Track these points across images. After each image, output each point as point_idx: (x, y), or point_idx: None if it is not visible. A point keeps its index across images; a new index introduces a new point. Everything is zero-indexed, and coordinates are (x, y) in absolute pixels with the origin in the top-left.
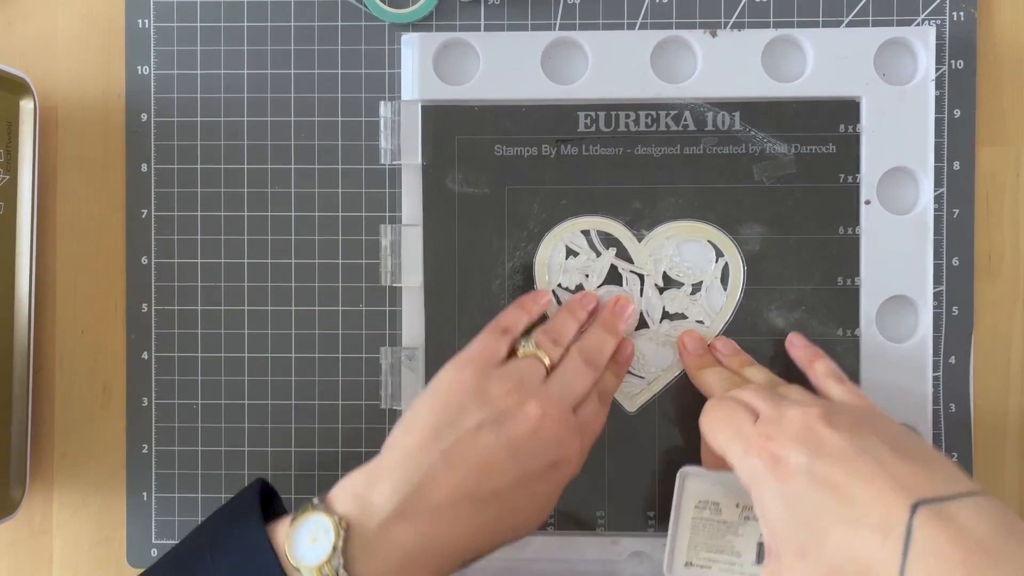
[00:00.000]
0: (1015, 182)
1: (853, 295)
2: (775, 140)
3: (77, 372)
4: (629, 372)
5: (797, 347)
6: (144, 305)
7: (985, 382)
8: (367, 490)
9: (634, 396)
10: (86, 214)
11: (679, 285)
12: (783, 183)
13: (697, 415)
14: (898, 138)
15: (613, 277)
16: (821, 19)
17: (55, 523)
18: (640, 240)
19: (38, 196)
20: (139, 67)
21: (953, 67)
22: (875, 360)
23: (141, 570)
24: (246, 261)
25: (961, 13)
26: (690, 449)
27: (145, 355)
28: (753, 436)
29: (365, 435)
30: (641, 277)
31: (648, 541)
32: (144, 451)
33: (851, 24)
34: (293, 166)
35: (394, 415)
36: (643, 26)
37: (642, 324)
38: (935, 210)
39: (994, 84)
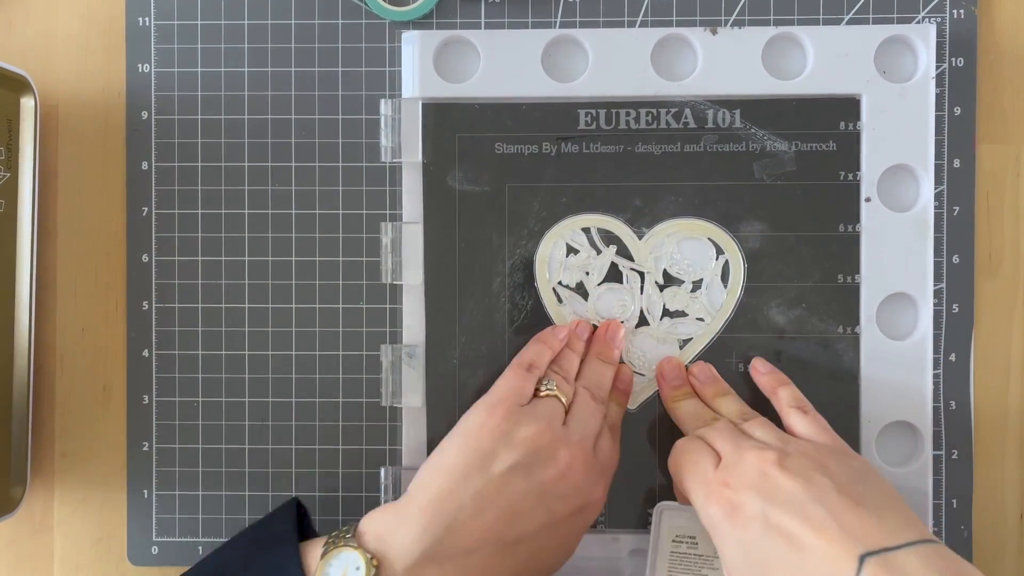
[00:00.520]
0: (1015, 180)
1: (853, 293)
2: (775, 138)
3: (78, 370)
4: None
5: (761, 374)
6: (145, 303)
7: (985, 380)
8: (397, 530)
9: (635, 393)
10: (87, 212)
11: (679, 282)
12: (783, 181)
13: None
14: (898, 136)
15: (613, 275)
16: (821, 17)
17: (56, 521)
18: (640, 238)
19: (39, 194)
20: (140, 65)
21: (953, 65)
22: (875, 358)
23: (141, 568)
24: (247, 259)
25: (961, 11)
26: None
27: (146, 353)
28: (713, 483)
29: (366, 432)
30: (641, 275)
31: (648, 539)
32: (145, 449)
33: (851, 22)
34: (294, 164)
35: (395, 412)
36: (643, 24)
37: (643, 321)
38: (935, 208)
39: (994, 82)
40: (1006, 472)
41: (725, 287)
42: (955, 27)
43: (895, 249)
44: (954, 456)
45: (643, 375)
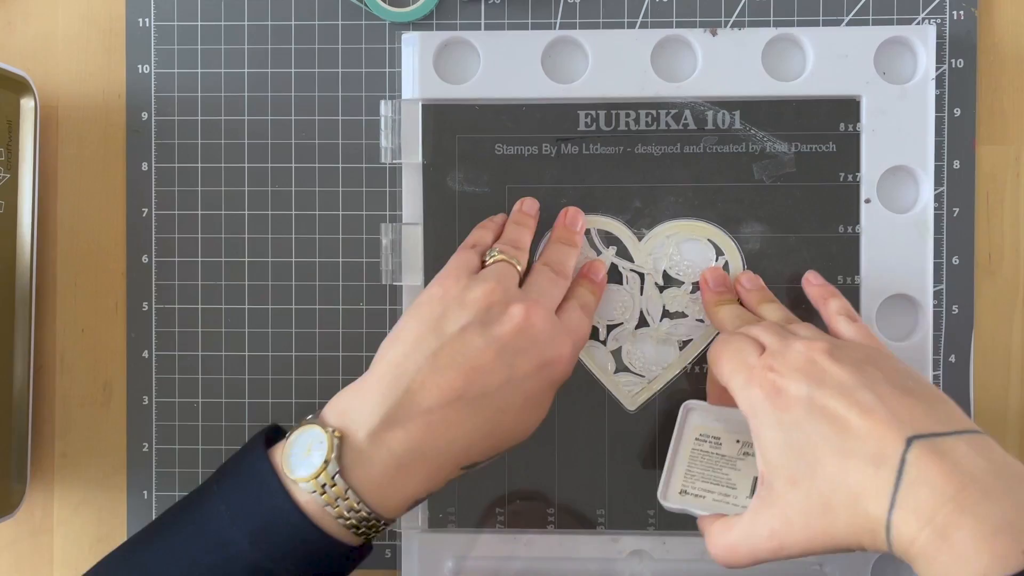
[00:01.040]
0: (1015, 181)
1: (853, 294)
2: (775, 139)
3: (78, 371)
4: (629, 371)
5: (813, 285)
6: (145, 304)
7: (985, 381)
8: (357, 402)
9: (634, 395)
10: (86, 213)
11: (679, 284)
12: (783, 182)
13: None
14: (898, 137)
15: (613, 276)
16: (821, 18)
17: (56, 521)
18: (640, 239)
19: (39, 195)
20: (140, 66)
21: (953, 66)
22: None
23: None
24: (247, 260)
25: (961, 12)
26: None
27: (146, 354)
28: (756, 367)
29: None
30: (641, 276)
31: (648, 539)
32: (145, 449)
33: (851, 23)
34: (294, 165)
35: None
36: (643, 25)
37: (642, 323)
38: (935, 209)
39: (994, 83)
40: None
41: None
42: (955, 28)
43: (895, 250)
44: None
45: (643, 376)
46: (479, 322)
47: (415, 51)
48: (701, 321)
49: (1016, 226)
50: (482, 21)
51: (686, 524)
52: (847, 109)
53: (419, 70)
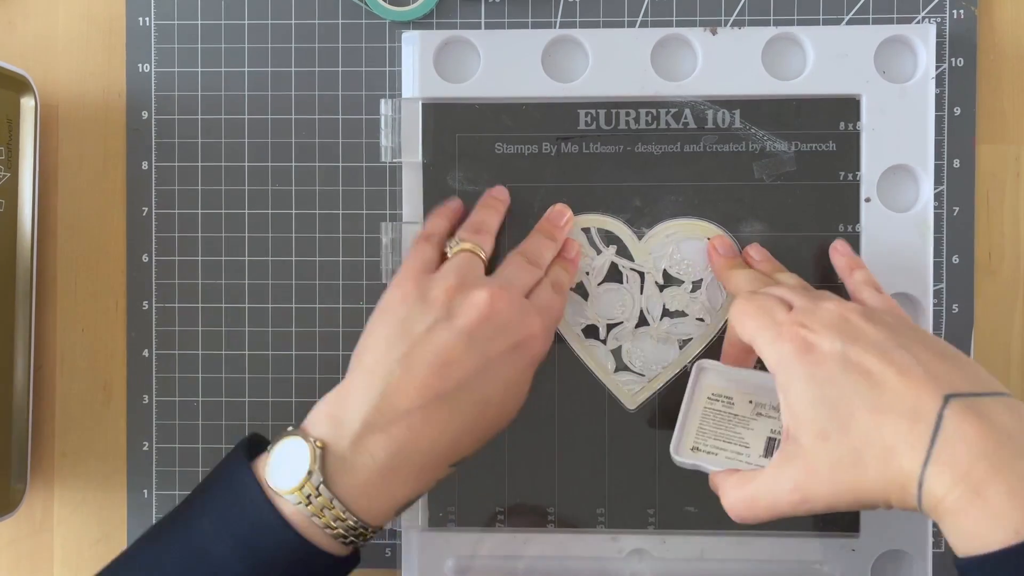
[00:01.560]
0: (1015, 180)
1: None
2: (775, 138)
3: (78, 370)
4: (630, 370)
5: (841, 254)
6: (145, 303)
7: None
8: (335, 410)
9: (634, 394)
10: (87, 212)
11: (679, 283)
12: (783, 181)
13: None
14: (898, 136)
15: (613, 275)
16: (821, 17)
17: (56, 521)
18: (640, 238)
19: (39, 194)
20: (140, 65)
21: (953, 65)
22: None
23: None
24: (247, 259)
25: (961, 11)
26: None
27: (146, 353)
28: (786, 323)
29: None
30: (641, 275)
31: (648, 538)
32: (145, 448)
33: (851, 22)
34: (294, 164)
35: None
36: (643, 24)
37: (642, 322)
38: (935, 208)
39: (994, 82)
40: None
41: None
42: (955, 27)
43: (895, 249)
44: None
45: (643, 375)
46: (444, 317)
47: (415, 50)
48: (701, 320)
49: (1016, 225)
50: (482, 20)
51: (686, 523)
52: (847, 108)
53: (419, 69)
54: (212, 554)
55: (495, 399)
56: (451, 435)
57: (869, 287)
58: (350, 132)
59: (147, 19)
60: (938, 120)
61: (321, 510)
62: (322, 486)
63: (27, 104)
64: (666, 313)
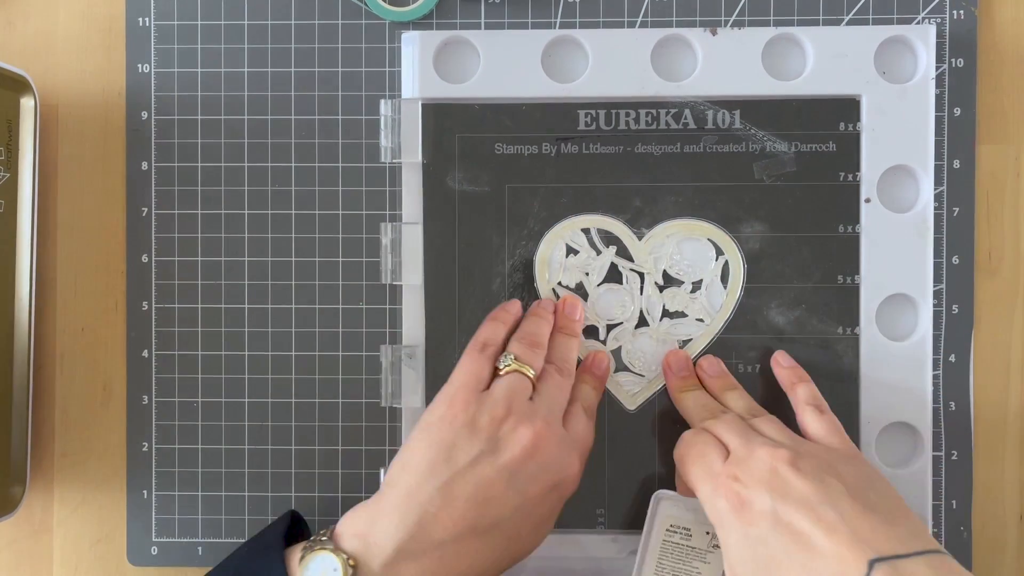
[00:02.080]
0: (1015, 180)
1: (853, 293)
2: (775, 138)
3: (77, 370)
4: (629, 371)
5: (783, 367)
6: (144, 303)
7: (985, 380)
8: (370, 528)
9: (634, 394)
10: (86, 212)
11: (679, 283)
12: (783, 181)
13: None
14: (898, 136)
15: (613, 275)
16: (821, 17)
17: (55, 521)
18: (640, 238)
19: (38, 194)
20: (140, 65)
21: (953, 65)
22: (875, 358)
23: (140, 568)
24: (246, 259)
25: (961, 11)
26: None
27: (145, 353)
28: (721, 476)
29: (365, 433)
30: (641, 275)
31: None
32: (144, 449)
33: (851, 22)
34: (294, 164)
35: (394, 413)
36: (643, 24)
37: (642, 322)
38: (935, 208)
39: (994, 82)
40: (1006, 473)
41: (725, 288)
42: (955, 28)
43: (895, 250)
44: (954, 457)
45: (643, 376)
46: (489, 451)
47: (415, 50)
48: (701, 321)
49: (1016, 226)
50: (482, 20)
51: None
52: (847, 108)
53: (419, 69)
54: None
55: (525, 534)
56: (479, 566)
57: (811, 407)
58: (350, 132)
59: (147, 19)
60: (938, 120)
61: None
62: None
63: (27, 104)
64: (666, 314)
